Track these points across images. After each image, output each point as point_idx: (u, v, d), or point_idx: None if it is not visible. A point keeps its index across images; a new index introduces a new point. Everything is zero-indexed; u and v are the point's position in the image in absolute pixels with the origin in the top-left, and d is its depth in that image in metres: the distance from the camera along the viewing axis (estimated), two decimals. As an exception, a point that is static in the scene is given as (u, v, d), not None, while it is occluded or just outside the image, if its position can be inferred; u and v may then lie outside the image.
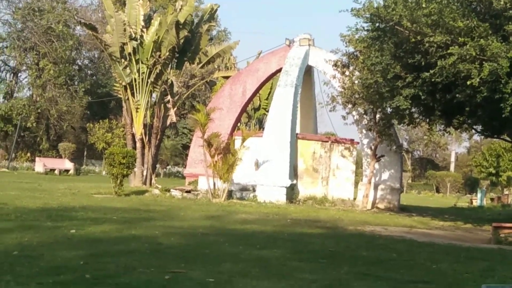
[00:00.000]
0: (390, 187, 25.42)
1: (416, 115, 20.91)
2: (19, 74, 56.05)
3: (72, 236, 10.82)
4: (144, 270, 7.95)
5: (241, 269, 8.43)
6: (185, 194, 23.32)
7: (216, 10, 32.58)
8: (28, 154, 49.31)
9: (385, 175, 25.59)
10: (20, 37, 51.15)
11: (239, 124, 34.42)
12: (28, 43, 50.49)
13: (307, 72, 28.33)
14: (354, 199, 25.50)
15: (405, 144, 61.68)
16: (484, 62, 15.31)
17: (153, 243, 10.43)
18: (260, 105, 47.07)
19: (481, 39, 15.36)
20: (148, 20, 29.75)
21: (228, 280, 7.65)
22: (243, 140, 23.03)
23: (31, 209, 14.96)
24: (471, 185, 53.23)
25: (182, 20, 29.11)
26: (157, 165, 42.30)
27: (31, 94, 52.95)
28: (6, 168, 41.90)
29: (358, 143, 26.35)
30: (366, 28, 18.66)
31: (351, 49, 23.20)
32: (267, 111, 34.54)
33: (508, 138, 23.26)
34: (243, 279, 7.79)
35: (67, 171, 41.76)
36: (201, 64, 31.54)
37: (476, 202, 37.28)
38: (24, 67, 53.42)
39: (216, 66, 34.22)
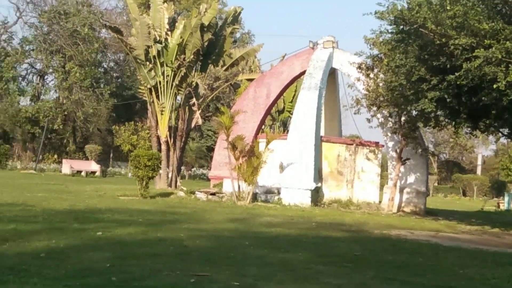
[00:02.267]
0: (416, 190, 25.22)
1: (441, 118, 20.74)
2: (46, 77, 56.87)
3: (98, 238, 10.94)
4: (169, 273, 8.02)
5: (266, 273, 8.44)
6: (210, 197, 23.40)
7: (240, 13, 32.64)
8: (55, 156, 49.90)
9: (411, 178, 25.40)
10: (46, 40, 51.77)
11: (263, 127, 34.43)
12: (54, 46, 51.08)
13: (331, 75, 28.26)
14: (380, 202, 25.36)
15: (431, 147, 61.27)
16: (510, 65, 15.14)
17: (178, 246, 10.50)
18: (284, 107, 47.05)
19: (507, 42, 15.18)
20: (172, 23, 29.90)
21: (252, 284, 7.68)
22: (268, 143, 23.05)
23: (58, 211, 15.14)
24: (498, 189, 52.59)
25: (206, 23, 29.25)
26: (182, 167, 42.44)
27: (58, 96, 53.58)
28: (34, 169, 42.44)
29: (383, 146, 26.20)
30: (390, 31, 18.57)
31: (375, 51, 23.09)
32: (291, 114, 34.52)
33: (535, 141, 22.96)
34: (268, 283, 7.81)
35: (94, 172, 42.18)
36: (225, 67, 31.62)
37: (503, 206, 36.85)
38: (51, 70, 54.05)
39: (240, 69, 34.25)
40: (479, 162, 67.99)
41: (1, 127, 51.57)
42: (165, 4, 29.83)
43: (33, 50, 53.58)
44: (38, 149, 48.66)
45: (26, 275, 7.39)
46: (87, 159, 46.98)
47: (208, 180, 33.39)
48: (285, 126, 47.75)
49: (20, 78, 55.72)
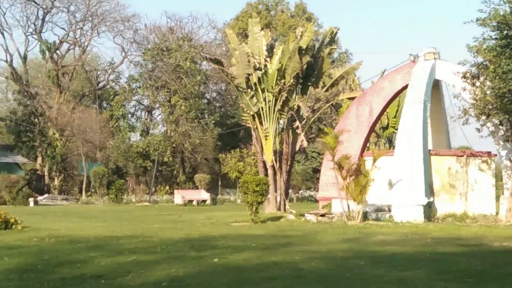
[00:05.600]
0: (534, 198, 24.08)
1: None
2: (153, 112, 59.16)
3: (215, 265, 11.20)
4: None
5: (385, 292, 8.35)
6: (319, 218, 23.37)
7: (336, 33, 32.65)
8: (167, 187, 51.55)
9: (528, 187, 24.28)
10: (152, 77, 53.87)
11: (368, 145, 34.04)
12: (159, 81, 53.05)
13: (435, 86, 27.60)
14: (497, 214, 24.38)
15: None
16: None
17: (294, 269, 10.57)
18: (388, 123, 46.37)
19: None
20: (270, 50, 30.35)
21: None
22: (374, 160, 22.80)
23: (175, 240, 15.62)
24: None
25: (304, 46, 29.50)
26: (290, 191, 42.68)
27: (166, 130, 55.46)
28: (148, 202, 43.99)
29: (495, 155, 25.24)
30: (494, 37, 18.05)
31: (479, 59, 22.38)
32: (396, 129, 33.98)
33: None
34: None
35: (204, 201, 43.14)
36: (325, 88, 31.67)
37: None
38: (157, 105, 56.13)
39: (340, 88, 34.18)
40: None
41: (115, 163, 53.87)
42: (262, 32, 30.40)
43: (139, 87, 55.95)
44: (151, 182, 50.40)
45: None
46: (197, 188, 48.10)
47: (316, 201, 33.33)
48: (390, 142, 47.02)
49: (130, 115, 58.28)
